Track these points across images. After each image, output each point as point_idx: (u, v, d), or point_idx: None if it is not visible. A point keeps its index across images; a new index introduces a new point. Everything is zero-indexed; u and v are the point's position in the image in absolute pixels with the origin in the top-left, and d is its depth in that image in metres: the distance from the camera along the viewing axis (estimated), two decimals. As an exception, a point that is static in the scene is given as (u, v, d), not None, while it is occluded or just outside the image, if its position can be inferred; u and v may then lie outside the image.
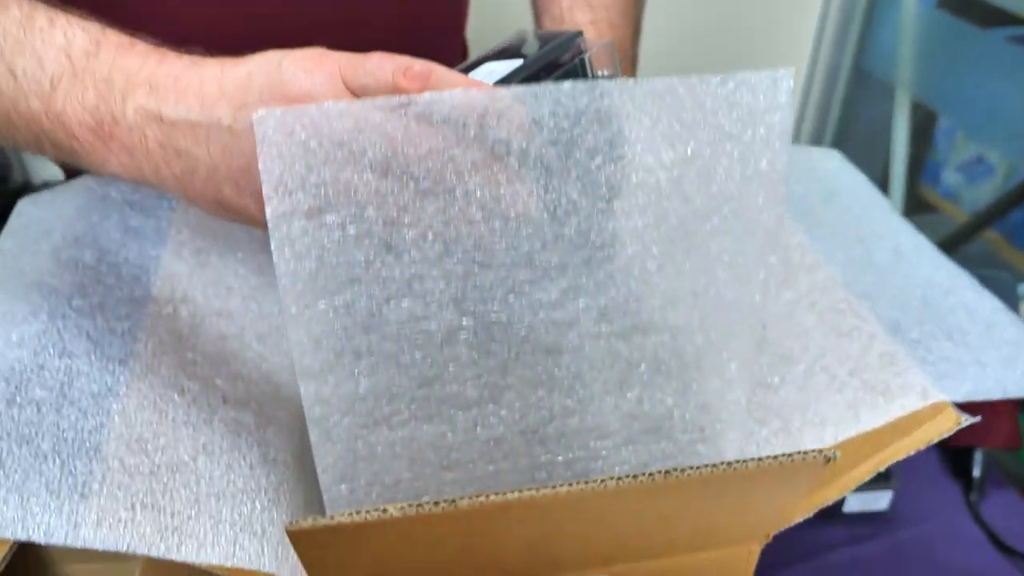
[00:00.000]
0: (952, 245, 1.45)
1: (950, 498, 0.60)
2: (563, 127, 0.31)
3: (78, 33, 0.33)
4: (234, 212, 0.32)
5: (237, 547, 0.31)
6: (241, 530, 0.32)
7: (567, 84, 0.30)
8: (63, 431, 0.30)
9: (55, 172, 1.18)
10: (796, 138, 1.54)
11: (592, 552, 0.33)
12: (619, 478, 0.27)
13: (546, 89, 0.30)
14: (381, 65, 0.30)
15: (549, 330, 0.35)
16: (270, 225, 0.29)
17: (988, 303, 0.42)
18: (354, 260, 0.31)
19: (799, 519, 0.35)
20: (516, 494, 0.27)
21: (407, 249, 0.32)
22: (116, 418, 0.32)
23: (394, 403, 0.35)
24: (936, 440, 0.33)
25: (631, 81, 0.31)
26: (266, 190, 0.28)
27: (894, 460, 0.34)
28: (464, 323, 0.34)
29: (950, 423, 0.34)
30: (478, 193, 0.31)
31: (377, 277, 0.32)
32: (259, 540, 0.32)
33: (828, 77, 1.43)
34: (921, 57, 1.28)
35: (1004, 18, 1.14)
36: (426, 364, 0.35)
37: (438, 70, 0.31)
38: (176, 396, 0.35)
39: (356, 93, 0.30)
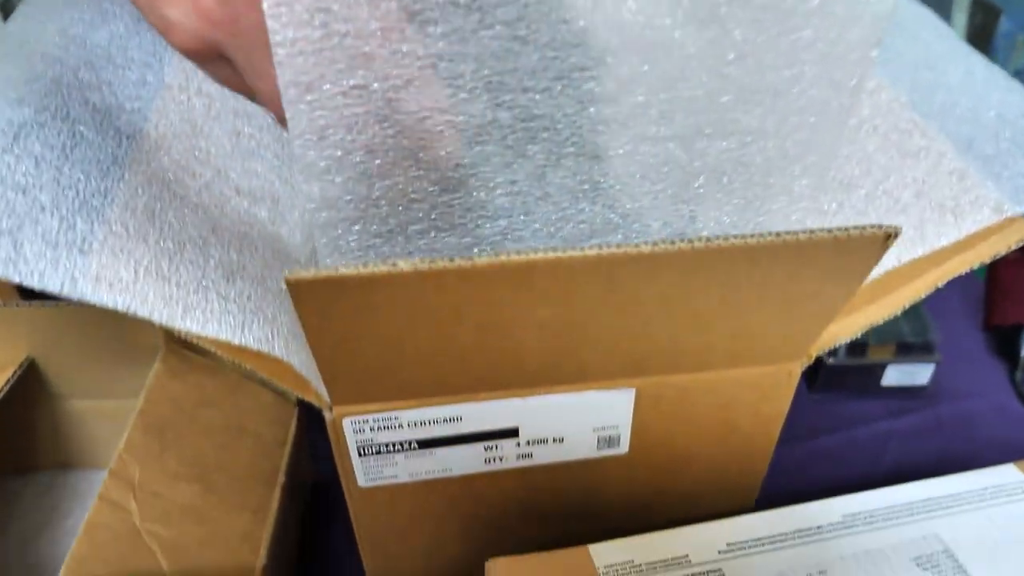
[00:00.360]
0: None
1: (994, 376, 0.58)
2: None
3: None
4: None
5: (246, 328, 0.30)
6: (251, 312, 0.30)
7: None
8: (63, 188, 0.28)
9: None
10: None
11: (619, 359, 0.31)
12: (654, 243, 0.24)
13: None
14: None
15: (598, 130, 0.32)
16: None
17: None
18: (368, 29, 0.26)
19: (845, 338, 0.33)
20: (540, 254, 0.24)
21: (433, 18, 0.27)
22: (121, 185, 0.30)
23: (412, 210, 0.31)
24: (1003, 253, 0.31)
25: None
26: None
27: (955, 274, 0.31)
28: (498, 116, 0.31)
29: (1021, 234, 0.31)
30: None
31: (396, 53, 0.27)
32: (269, 325, 0.31)
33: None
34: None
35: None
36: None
37: None
38: (187, 178, 0.33)
39: None
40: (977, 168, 0.33)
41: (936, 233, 0.32)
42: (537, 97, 0.30)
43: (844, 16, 0.28)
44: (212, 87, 0.38)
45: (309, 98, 0.26)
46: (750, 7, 0.28)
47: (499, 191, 0.32)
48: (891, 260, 0.32)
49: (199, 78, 0.38)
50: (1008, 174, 0.33)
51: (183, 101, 0.37)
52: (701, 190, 0.33)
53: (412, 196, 0.31)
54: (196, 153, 0.34)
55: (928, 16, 0.48)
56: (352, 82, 0.26)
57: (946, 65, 0.41)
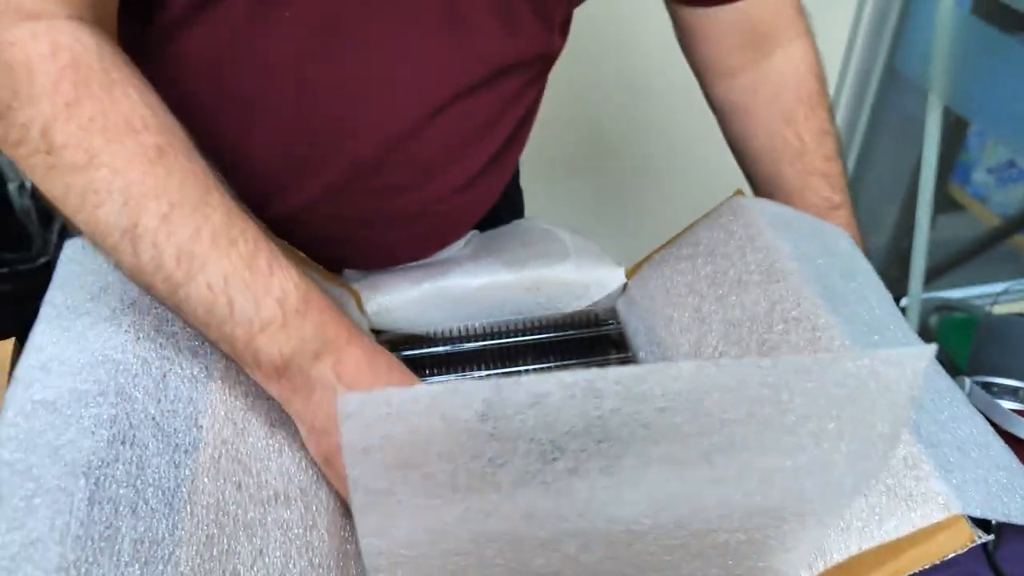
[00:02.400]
0: (981, 248, 1.45)
1: (965, 547, 0.62)
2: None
3: (291, 289, 0.40)
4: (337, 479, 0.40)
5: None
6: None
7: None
8: (140, 534, 0.33)
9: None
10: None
11: None
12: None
13: None
14: None
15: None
16: (350, 485, 0.28)
17: (980, 419, 0.43)
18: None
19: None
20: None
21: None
22: (187, 521, 0.34)
23: None
24: (950, 555, 0.35)
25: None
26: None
27: (909, 572, 0.36)
28: None
29: (964, 539, 0.35)
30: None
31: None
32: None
33: (860, 76, 1.41)
34: (953, 63, 1.26)
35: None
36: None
37: None
38: (236, 492, 0.37)
39: None
40: (928, 457, 0.38)
41: (892, 523, 0.37)
42: None
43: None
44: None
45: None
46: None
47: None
48: (853, 548, 0.37)
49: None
50: (949, 465, 0.38)
51: (227, 393, 0.41)
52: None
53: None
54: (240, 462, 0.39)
55: (869, 270, 0.54)
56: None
57: (888, 334, 0.47)
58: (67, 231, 1.09)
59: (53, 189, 0.40)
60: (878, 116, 1.45)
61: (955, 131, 1.40)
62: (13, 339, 0.59)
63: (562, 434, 0.27)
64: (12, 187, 1.00)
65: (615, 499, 0.29)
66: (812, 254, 0.52)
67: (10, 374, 0.54)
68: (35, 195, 1.07)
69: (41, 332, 0.41)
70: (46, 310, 0.42)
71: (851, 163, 1.53)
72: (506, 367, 0.58)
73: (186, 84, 0.49)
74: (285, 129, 0.52)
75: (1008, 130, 1.24)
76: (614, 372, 0.25)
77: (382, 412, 0.25)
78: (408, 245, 0.61)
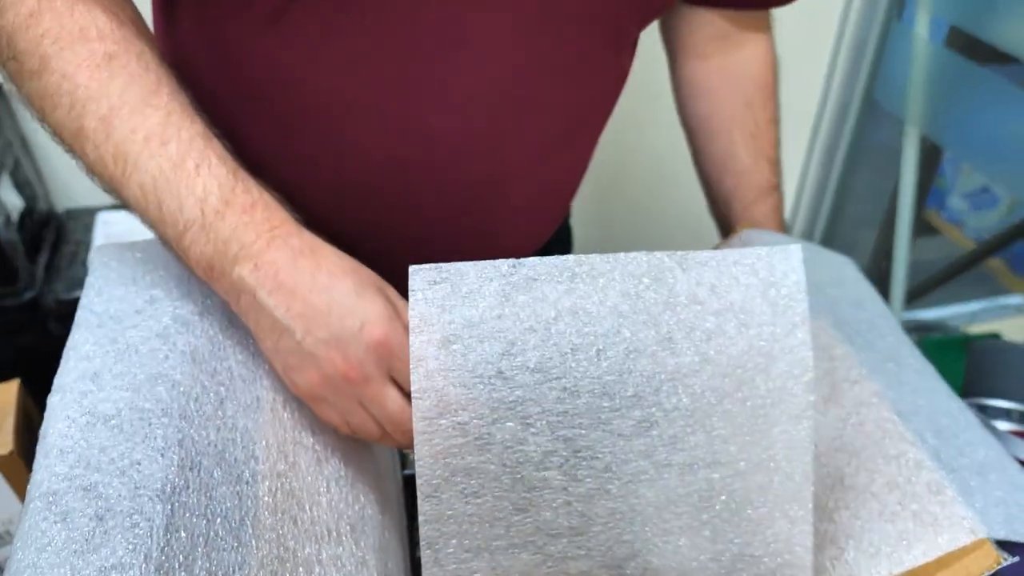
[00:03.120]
0: (957, 271, 1.49)
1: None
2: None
3: (214, 189, 0.40)
4: (277, 374, 0.42)
5: None
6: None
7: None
8: (213, 566, 0.33)
9: (77, 200, 1.19)
10: (806, 163, 1.56)
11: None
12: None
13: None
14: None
15: (628, 459, 0.38)
16: (413, 352, 0.37)
17: (994, 441, 0.45)
18: (470, 381, 0.36)
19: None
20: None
21: (514, 375, 0.37)
22: (253, 556, 0.34)
23: (495, 527, 0.38)
24: (980, 577, 0.37)
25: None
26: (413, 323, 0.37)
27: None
28: (556, 447, 0.38)
29: (990, 561, 0.37)
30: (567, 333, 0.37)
31: (489, 399, 0.37)
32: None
33: (840, 107, 1.45)
34: (929, 94, 1.31)
35: (1009, 58, 1.17)
36: (523, 488, 0.38)
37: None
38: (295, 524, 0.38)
39: (392, 378, 0.40)
40: (950, 482, 0.40)
41: (920, 548, 0.38)
42: (583, 432, 0.37)
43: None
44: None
45: (430, 429, 0.37)
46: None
47: (560, 512, 0.39)
48: (883, 572, 0.38)
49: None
50: (970, 490, 0.39)
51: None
52: (717, 518, 0.39)
53: (496, 515, 0.38)
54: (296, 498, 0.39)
55: (876, 297, 0.56)
56: (458, 419, 0.37)
57: (903, 360, 0.48)
58: (54, 264, 1.09)
59: (23, 93, 0.43)
60: (857, 144, 1.49)
61: (930, 158, 1.45)
62: (18, 380, 0.58)
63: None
64: (3, 222, 1.00)
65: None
66: (822, 285, 0.54)
67: (15, 415, 0.54)
68: (21, 228, 1.06)
69: (84, 340, 0.40)
70: (85, 316, 0.42)
71: (831, 189, 1.57)
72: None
73: (268, 88, 0.49)
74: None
75: (981, 156, 1.28)
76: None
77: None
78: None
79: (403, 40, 0.46)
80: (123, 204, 0.42)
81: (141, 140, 0.40)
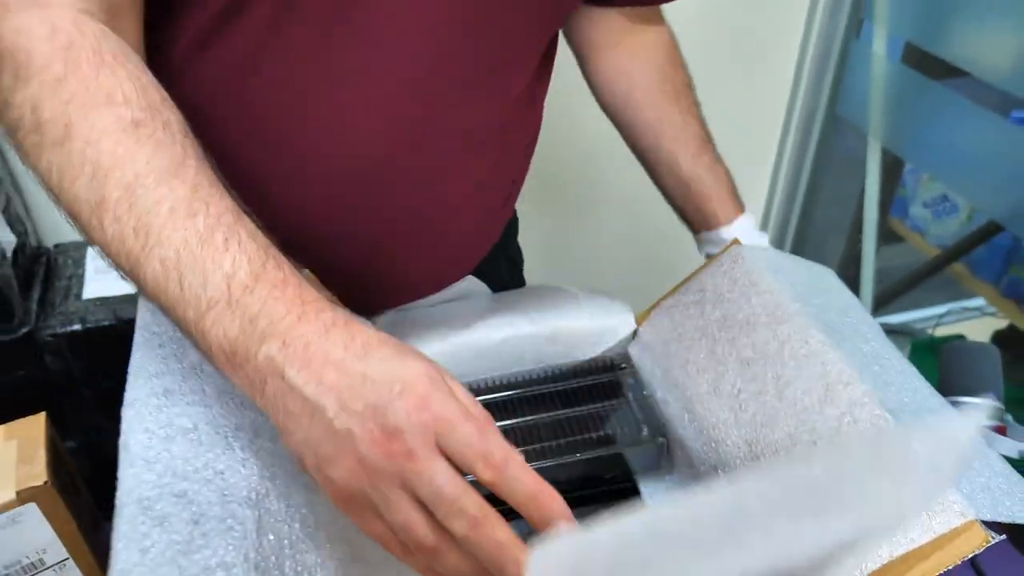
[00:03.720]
0: (921, 277, 1.56)
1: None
2: None
3: (243, 264, 0.37)
4: (311, 478, 0.35)
5: None
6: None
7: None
8: (298, 565, 0.35)
9: (66, 235, 1.20)
10: (775, 176, 1.62)
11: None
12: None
13: None
14: (469, 442, 0.33)
15: None
16: None
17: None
18: None
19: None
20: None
21: None
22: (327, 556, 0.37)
23: None
24: (969, 555, 0.40)
25: None
26: None
27: (935, 574, 0.40)
28: None
29: (980, 540, 0.40)
30: None
31: None
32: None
33: (805, 120, 1.51)
34: (888, 108, 1.37)
35: (962, 72, 1.24)
36: None
37: (513, 462, 0.34)
38: None
39: (442, 451, 0.34)
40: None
41: (918, 532, 0.42)
42: None
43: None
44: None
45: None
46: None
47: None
48: (884, 555, 0.42)
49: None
50: (967, 486, 0.43)
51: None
52: None
53: None
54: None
55: (858, 304, 0.60)
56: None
57: (886, 362, 0.52)
58: (47, 299, 1.09)
59: (40, 168, 0.39)
60: (822, 156, 1.56)
61: (892, 168, 1.51)
62: (44, 413, 0.60)
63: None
64: (-2, 258, 1.00)
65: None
66: (809, 294, 0.57)
67: (46, 446, 0.55)
68: (16, 263, 1.06)
69: (148, 358, 0.42)
70: (145, 337, 0.43)
71: (799, 200, 1.63)
72: (533, 415, 0.61)
73: (205, 104, 0.50)
74: (285, 142, 0.53)
75: (939, 167, 1.35)
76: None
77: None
78: (418, 273, 0.65)
79: (334, 32, 0.49)
80: (137, 285, 0.38)
81: (166, 212, 0.37)
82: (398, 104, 0.54)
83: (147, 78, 0.42)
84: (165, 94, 0.42)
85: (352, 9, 0.49)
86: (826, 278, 0.63)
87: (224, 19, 0.48)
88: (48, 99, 0.39)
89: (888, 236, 1.64)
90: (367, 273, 0.62)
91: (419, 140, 0.56)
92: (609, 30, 0.70)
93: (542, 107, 0.68)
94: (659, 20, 0.72)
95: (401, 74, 0.52)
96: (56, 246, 1.19)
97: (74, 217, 0.39)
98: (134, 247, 0.37)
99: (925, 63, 1.31)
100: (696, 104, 0.71)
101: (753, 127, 1.52)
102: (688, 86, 0.71)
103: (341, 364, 0.34)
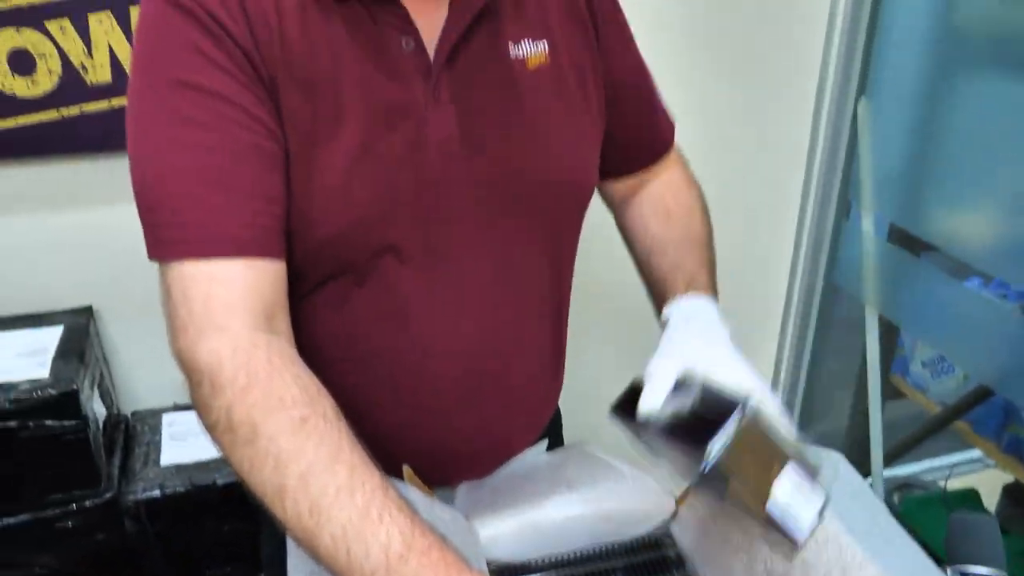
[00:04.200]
0: (925, 435, 1.65)
1: None
2: None
3: (395, 535, 0.47)
4: None
5: None
6: None
7: None
8: None
9: (143, 402, 1.31)
10: (781, 340, 1.75)
11: None
12: None
13: None
14: None
15: None
16: None
17: None
18: None
19: None
20: None
21: None
22: None
23: None
24: None
25: None
26: None
27: None
28: None
29: None
30: None
31: None
32: None
33: (806, 289, 1.66)
34: (880, 279, 1.52)
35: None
36: None
37: None
38: None
39: None
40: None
41: None
42: None
43: None
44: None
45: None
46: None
47: None
48: None
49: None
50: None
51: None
52: None
53: None
54: None
55: (868, 490, 0.71)
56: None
57: (893, 540, 0.62)
58: (128, 465, 1.19)
59: (234, 460, 0.51)
60: (825, 320, 1.69)
61: (890, 329, 1.64)
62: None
63: None
64: (92, 430, 1.11)
65: None
66: (827, 483, 0.68)
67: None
68: (105, 430, 1.17)
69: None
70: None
71: (806, 357, 1.75)
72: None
73: (315, 336, 0.66)
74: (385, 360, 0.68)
75: (929, 334, 1.47)
76: None
77: None
78: (495, 450, 0.77)
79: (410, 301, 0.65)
80: (313, 554, 0.48)
81: (333, 493, 0.48)
82: (476, 326, 0.69)
83: (305, 375, 0.55)
84: (319, 384, 0.55)
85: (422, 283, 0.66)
86: (838, 465, 0.74)
87: (344, 294, 0.65)
88: (237, 405, 0.51)
89: (892, 392, 1.74)
90: (455, 456, 0.75)
91: (495, 347, 0.70)
92: (623, 189, 0.81)
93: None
94: (667, 166, 0.81)
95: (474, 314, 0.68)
96: (134, 413, 1.30)
97: (260, 496, 0.51)
98: (309, 524, 0.48)
99: (907, 241, 1.46)
100: (701, 221, 0.79)
101: (757, 296, 1.67)
102: (691, 209, 0.79)
103: None
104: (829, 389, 1.82)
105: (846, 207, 1.58)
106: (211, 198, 0.55)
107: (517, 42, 0.64)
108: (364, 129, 0.60)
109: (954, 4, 1.30)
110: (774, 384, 1.79)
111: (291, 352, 0.56)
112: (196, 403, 0.54)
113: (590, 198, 0.74)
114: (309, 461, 0.49)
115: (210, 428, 0.54)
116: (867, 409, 1.61)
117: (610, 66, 0.71)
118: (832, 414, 1.84)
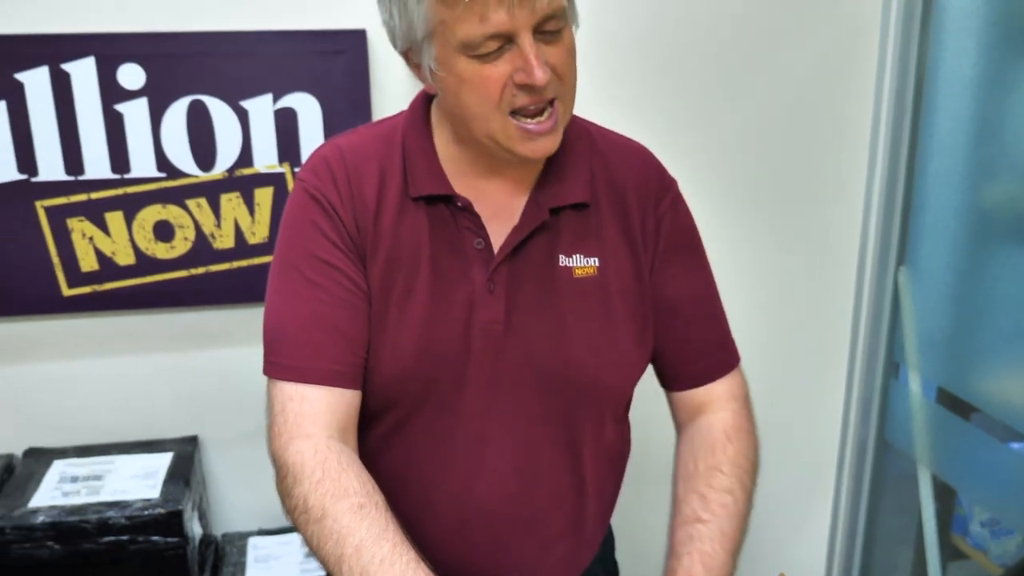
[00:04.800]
0: (988, 600, 1.60)
1: None
2: None
3: None
4: None
5: None
6: None
7: None
8: None
9: (232, 525, 1.45)
10: (836, 499, 1.76)
11: None
12: None
13: None
14: None
15: None
16: None
17: None
18: None
19: None
20: None
21: None
22: None
23: None
24: None
25: None
26: None
27: None
28: None
29: None
30: None
31: None
32: None
33: (859, 446, 1.70)
34: (930, 439, 1.55)
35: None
36: None
37: None
38: None
39: None
40: None
41: None
42: None
43: None
44: None
45: None
46: None
47: None
48: None
49: None
50: None
51: None
52: None
53: None
54: None
55: None
56: None
57: None
58: (218, 572, 1.31)
59: (306, 535, 0.68)
60: (878, 475, 1.71)
61: (947, 488, 1.64)
62: None
63: None
64: (190, 548, 1.25)
65: None
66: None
67: None
68: (200, 549, 1.31)
69: None
70: None
71: (862, 516, 1.76)
72: None
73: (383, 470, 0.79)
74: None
75: (982, 497, 1.48)
76: None
77: None
78: None
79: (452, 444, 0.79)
80: None
81: (378, 562, 0.64)
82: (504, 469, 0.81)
83: (364, 474, 0.72)
84: (374, 483, 0.72)
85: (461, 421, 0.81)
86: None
87: (393, 430, 0.82)
88: (312, 493, 0.69)
89: (954, 552, 1.71)
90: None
91: (520, 492, 0.82)
92: (684, 406, 0.88)
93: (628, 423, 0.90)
94: (719, 407, 0.86)
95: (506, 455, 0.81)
96: (223, 535, 1.44)
97: (324, 564, 0.68)
98: None
99: (953, 402, 1.50)
100: (712, 487, 0.81)
101: (808, 455, 1.72)
102: (713, 469, 0.82)
103: None
104: (889, 547, 1.81)
105: (894, 367, 1.64)
106: (314, 338, 0.75)
107: (569, 255, 0.80)
108: (429, 303, 0.77)
109: (980, 185, 1.41)
110: (830, 545, 1.79)
111: (356, 458, 0.74)
112: (281, 491, 0.73)
113: (611, 399, 0.85)
114: (362, 537, 0.66)
115: (290, 511, 0.71)
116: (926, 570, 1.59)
117: (666, 287, 0.83)
118: (894, 573, 1.81)
